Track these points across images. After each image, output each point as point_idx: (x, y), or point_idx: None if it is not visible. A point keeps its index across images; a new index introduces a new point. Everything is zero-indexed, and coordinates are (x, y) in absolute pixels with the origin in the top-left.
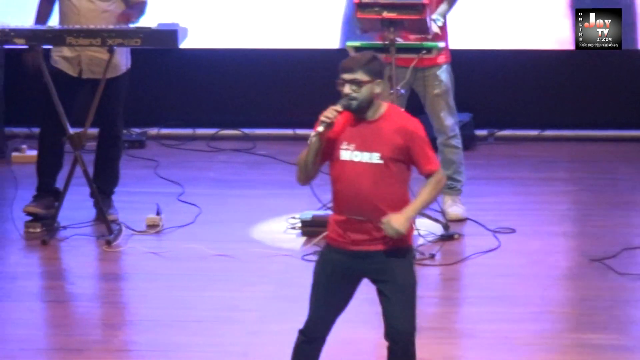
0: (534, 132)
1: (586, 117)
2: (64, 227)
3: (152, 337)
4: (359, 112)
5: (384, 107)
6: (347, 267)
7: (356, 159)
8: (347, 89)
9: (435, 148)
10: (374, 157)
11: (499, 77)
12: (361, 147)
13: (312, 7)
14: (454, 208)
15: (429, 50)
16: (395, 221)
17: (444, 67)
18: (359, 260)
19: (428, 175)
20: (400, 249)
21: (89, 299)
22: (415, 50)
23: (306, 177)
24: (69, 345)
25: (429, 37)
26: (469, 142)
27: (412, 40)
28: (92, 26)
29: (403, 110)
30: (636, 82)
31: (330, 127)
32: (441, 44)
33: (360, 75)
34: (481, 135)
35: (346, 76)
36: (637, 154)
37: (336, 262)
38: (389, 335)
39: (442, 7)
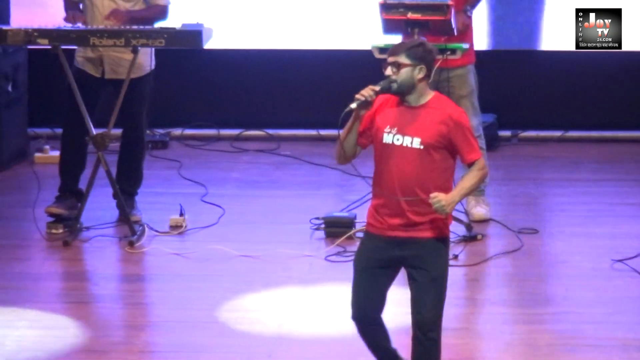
0: (557, 133)
1: (610, 118)
2: (87, 228)
3: (175, 338)
4: (400, 95)
5: (430, 94)
6: (385, 255)
7: (397, 143)
8: (388, 70)
9: None
10: (415, 142)
11: (523, 78)
12: (403, 131)
13: (338, 7)
14: (478, 209)
15: (453, 51)
16: (444, 198)
17: (469, 67)
18: (396, 247)
19: (470, 164)
20: (438, 239)
21: (111, 300)
22: (440, 51)
23: (341, 156)
24: (92, 346)
25: (459, 31)
26: (492, 143)
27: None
28: (115, 26)
29: (448, 99)
30: None
31: (366, 106)
32: (465, 45)
33: (402, 59)
34: (505, 136)
35: (390, 59)
36: None
37: (374, 249)
38: (415, 322)
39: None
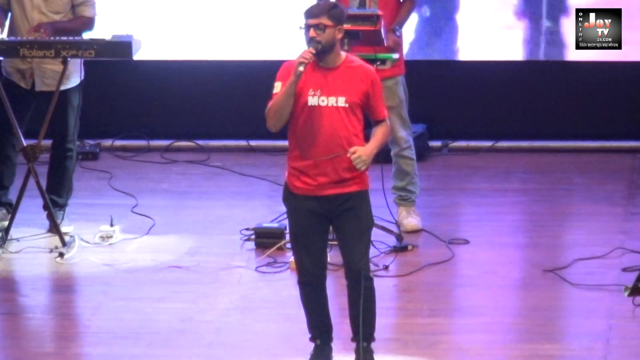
0: (487, 143)
1: (540, 128)
2: (17, 239)
3: (106, 349)
4: (321, 55)
5: (343, 55)
6: (316, 212)
7: (323, 104)
8: (312, 32)
9: (389, 159)
10: (340, 101)
11: (453, 88)
12: (327, 93)
13: (267, 18)
14: (410, 219)
15: (383, 61)
16: (363, 152)
17: (399, 79)
18: (327, 204)
19: (379, 122)
20: (362, 192)
21: (42, 311)
22: (370, 61)
23: (278, 121)
24: (22, 357)
25: (391, 46)
26: (423, 153)
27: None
28: (45, 37)
29: (358, 57)
30: (588, 93)
31: (306, 67)
32: (395, 55)
33: (325, 20)
34: (435, 146)
35: (311, 21)
36: (591, 164)
37: (306, 209)
38: (349, 273)
39: (399, 17)
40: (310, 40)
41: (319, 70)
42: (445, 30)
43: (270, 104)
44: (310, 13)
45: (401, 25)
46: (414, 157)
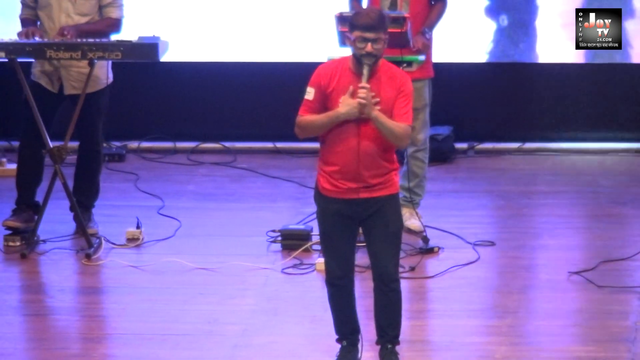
0: (514, 145)
1: (566, 129)
2: (44, 241)
3: (133, 351)
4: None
5: (380, 61)
6: (345, 214)
7: None
8: (370, 47)
9: (402, 159)
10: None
11: (479, 90)
12: None
13: (294, 20)
14: (413, 221)
15: (409, 63)
16: (370, 97)
17: (426, 81)
18: (354, 207)
19: None
20: (392, 196)
21: (68, 312)
22: (396, 63)
23: (308, 136)
24: (49, 359)
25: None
26: (449, 155)
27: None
28: (72, 39)
29: (393, 65)
30: (614, 96)
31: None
32: (422, 57)
33: (383, 34)
34: (461, 148)
35: (370, 35)
36: (617, 166)
37: (335, 211)
38: (378, 276)
39: (430, 20)
40: (368, 55)
41: (352, 78)
42: (474, 32)
43: (304, 116)
44: (368, 27)
45: (431, 27)
46: (427, 160)
